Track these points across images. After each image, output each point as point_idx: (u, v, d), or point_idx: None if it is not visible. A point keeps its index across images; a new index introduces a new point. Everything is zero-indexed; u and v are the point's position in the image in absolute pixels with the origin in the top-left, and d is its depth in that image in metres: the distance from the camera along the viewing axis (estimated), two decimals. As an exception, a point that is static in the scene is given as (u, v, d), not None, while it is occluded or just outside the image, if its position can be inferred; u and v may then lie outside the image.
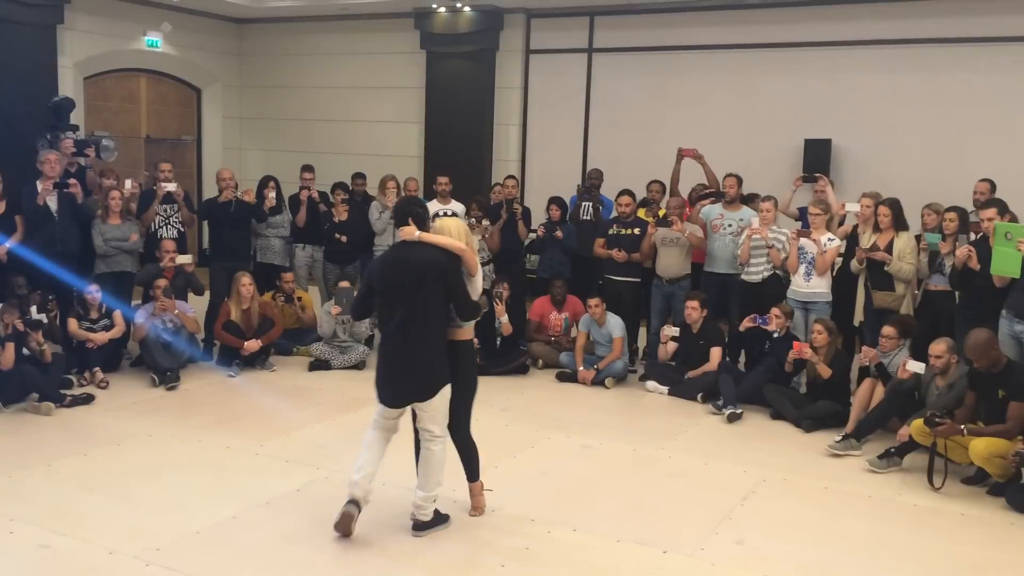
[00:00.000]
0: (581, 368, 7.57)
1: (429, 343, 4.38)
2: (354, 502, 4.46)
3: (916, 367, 6.00)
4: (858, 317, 7.09)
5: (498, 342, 7.74)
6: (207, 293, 8.16)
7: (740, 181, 7.79)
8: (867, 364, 6.51)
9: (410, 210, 4.50)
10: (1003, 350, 5.65)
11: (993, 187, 7.36)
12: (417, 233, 4.40)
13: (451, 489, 4.79)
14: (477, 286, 4.58)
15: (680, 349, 7.45)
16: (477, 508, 4.82)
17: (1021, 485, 5.24)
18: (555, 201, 8.47)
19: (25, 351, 6.51)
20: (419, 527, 4.54)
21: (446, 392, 4.46)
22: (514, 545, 4.50)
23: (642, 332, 8.37)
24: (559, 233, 8.23)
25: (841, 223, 7.62)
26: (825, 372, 6.53)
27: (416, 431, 4.61)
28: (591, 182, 8.89)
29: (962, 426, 5.35)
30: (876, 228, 6.91)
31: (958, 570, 4.45)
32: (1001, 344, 5.71)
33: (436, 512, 4.61)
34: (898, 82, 9.50)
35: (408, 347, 4.38)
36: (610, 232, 8.01)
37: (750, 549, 4.56)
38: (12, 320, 6.34)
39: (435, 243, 4.40)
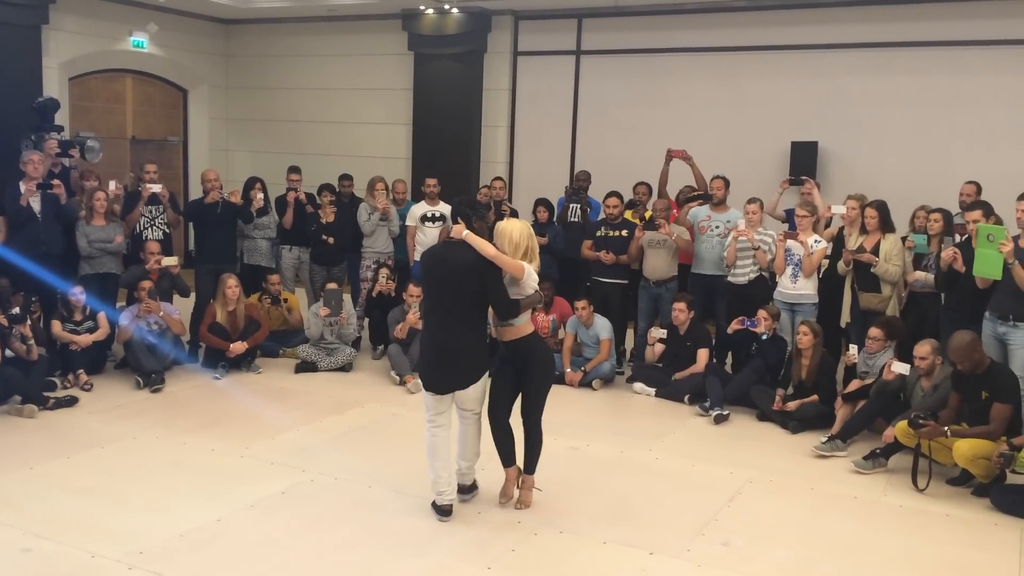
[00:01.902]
0: (568, 370, 7.57)
1: (466, 335, 4.65)
2: (445, 510, 4.79)
3: (901, 368, 6.03)
4: (845, 318, 7.11)
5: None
6: (192, 295, 8.11)
7: (727, 183, 7.81)
8: (851, 365, 6.55)
9: (461, 211, 4.78)
10: (987, 351, 5.68)
11: (979, 189, 7.41)
12: (465, 232, 4.63)
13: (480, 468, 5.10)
14: (525, 286, 4.75)
15: (667, 351, 7.46)
16: (524, 502, 4.96)
17: (1005, 486, 5.28)
18: (542, 203, 8.47)
19: (9, 353, 6.46)
20: (463, 490, 4.93)
21: (484, 381, 4.77)
22: (500, 547, 4.49)
23: (629, 334, 8.37)
24: (542, 238, 8.21)
25: (827, 225, 7.65)
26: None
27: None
28: (579, 184, 8.89)
29: (946, 427, 5.37)
30: (863, 230, 6.93)
31: (943, 570, 4.47)
32: (984, 345, 5.74)
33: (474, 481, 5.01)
34: (884, 85, 9.54)
35: (449, 338, 4.64)
36: (597, 234, 8.01)
37: (736, 550, 4.57)
38: None
39: (478, 247, 4.61)
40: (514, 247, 4.71)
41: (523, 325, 4.79)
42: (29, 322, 6.65)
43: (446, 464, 4.76)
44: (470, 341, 4.67)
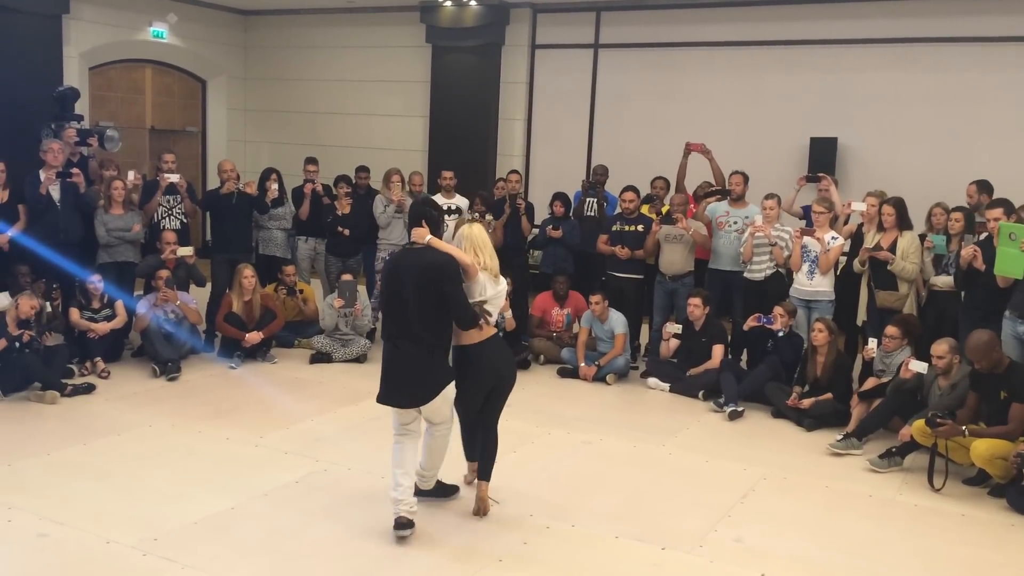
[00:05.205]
0: (583, 364, 7.56)
1: (427, 347, 4.35)
2: (402, 523, 4.40)
3: (919, 367, 5.98)
4: (861, 316, 7.06)
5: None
6: (209, 284, 8.16)
7: (747, 179, 7.76)
8: (869, 360, 6.50)
9: (424, 212, 4.45)
10: (1006, 351, 5.63)
11: (983, 188, 7.22)
12: (428, 237, 4.37)
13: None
14: (494, 293, 4.54)
15: (682, 346, 7.43)
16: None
17: (1022, 486, 5.22)
18: (559, 197, 8.44)
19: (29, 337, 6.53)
20: (418, 493, 4.70)
21: (447, 392, 4.42)
22: (512, 540, 4.49)
23: (644, 329, 8.35)
24: (555, 231, 8.19)
25: (846, 222, 7.59)
26: None
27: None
28: (596, 178, 8.86)
29: (963, 427, 5.33)
30: (880, 227, 6.88)
31: (958, 570, 4.44)
32: (1004, 345, 5.69)
33: (440, 483, 4.87)
34: (905, 81, 9.46)
35: (406, 351, 4.35)
36: (613, 228, 7.98)
37: (749, 547, 4.55)
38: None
39: (443, 250, 4.39)
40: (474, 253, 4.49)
41: (469, 335, 4.50)
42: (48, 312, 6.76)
43: (406, 472, 4.50)
44: (430, 352, 4.35)
